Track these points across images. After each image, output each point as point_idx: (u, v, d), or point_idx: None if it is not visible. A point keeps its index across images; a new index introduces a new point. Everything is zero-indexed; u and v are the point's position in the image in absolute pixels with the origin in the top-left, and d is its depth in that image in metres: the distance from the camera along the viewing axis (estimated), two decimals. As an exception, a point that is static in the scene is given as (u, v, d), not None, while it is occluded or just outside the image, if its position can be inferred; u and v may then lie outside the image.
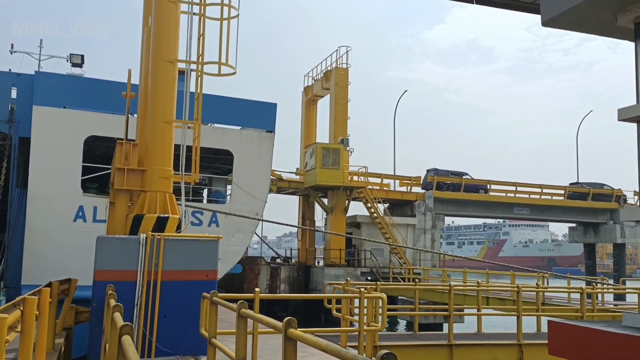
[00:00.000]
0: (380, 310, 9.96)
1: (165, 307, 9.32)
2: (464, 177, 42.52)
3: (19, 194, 17.96)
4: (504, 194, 43.15)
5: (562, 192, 45.35)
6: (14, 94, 18.04)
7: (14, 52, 30.91)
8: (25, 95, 17.89)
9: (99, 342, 8.69)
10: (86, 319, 11.04)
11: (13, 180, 18.12)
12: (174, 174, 11.05)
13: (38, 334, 7.52)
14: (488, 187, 42.65)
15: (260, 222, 25.28)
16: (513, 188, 43.52)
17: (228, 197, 23.03)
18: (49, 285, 9.46)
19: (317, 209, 37.08)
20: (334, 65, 36.79)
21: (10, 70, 20.44)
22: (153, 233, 9.62)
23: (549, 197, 44.71)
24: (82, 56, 24.98)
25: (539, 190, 44.56)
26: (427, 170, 41.88)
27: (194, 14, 11.28)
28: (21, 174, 18.09)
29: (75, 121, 18.05)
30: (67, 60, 25.99)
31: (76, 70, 24.83)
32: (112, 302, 6.49)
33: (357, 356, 3.09)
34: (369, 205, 34.55)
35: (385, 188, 38.31)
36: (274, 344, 9.58)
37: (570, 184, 48.48)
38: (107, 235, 10.66)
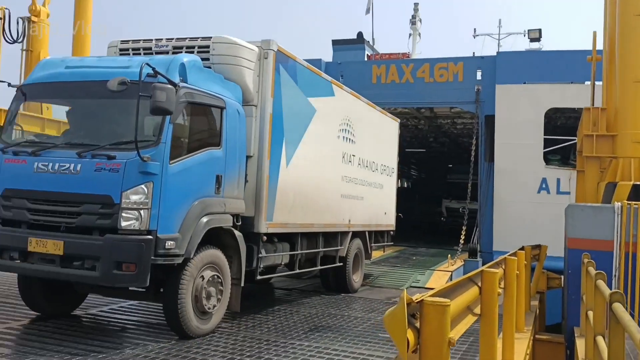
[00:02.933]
0: None
1: (645, 282, 8.52)
2: None
3: (487, 167, 19.49)
4: None
5: None
6: (478, 75, 19.63)
7: (476, 35, 33.76)
8: (488, 76, 19.24)
9: (577, 309, 8.63)
10: (557, 285, 11.16)
11: (481, 155, 19.79)
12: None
13: (517, 292, 8.03)
14: None
15: None
16: None
17: None
18: (522, 249, 9.96)
19: None
20: None
21: (473, 54, 22.28)
22: (629, 202, 8.90)
23: None
24: (540, 30, 25.05)
25: None
26: None
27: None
28: (488, 149, 19.56)
29: (536, 95, 18.33)
30: (524, 36, 26.58)
31: (534, 45, 25.14)
32: (592, 270, 6.32)
33: None
34: None
35: None
36: None
37: None
38: (577, 203, 10.44)
